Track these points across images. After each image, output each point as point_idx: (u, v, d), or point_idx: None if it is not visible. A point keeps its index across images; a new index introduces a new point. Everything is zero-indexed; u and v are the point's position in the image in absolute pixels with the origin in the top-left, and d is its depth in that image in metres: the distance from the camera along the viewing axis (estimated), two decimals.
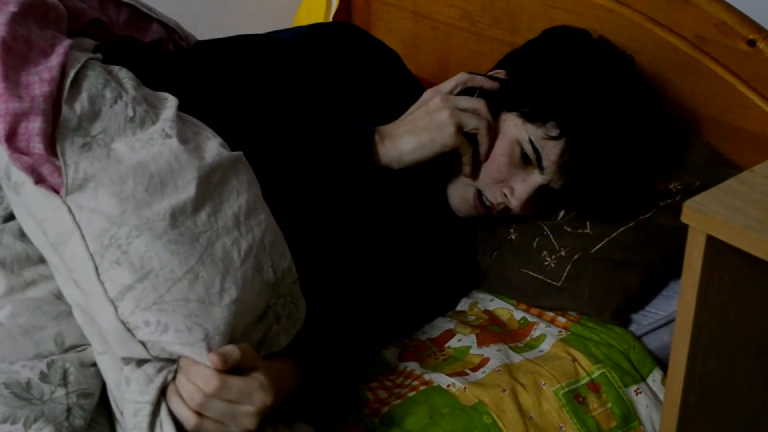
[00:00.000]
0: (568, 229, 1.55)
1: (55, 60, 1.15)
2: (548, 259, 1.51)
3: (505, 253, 1.56)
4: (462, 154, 1.43)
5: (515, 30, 1.85)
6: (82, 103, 1.14)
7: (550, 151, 1.41)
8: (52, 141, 1.12)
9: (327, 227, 1.39)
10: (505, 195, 1.45)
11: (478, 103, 1.44)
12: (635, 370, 1.41)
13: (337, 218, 1.41)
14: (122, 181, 1.11)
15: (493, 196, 1.46)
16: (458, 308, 1.55)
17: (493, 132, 1.44)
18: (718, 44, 1.58)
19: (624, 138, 1.43)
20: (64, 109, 1.13)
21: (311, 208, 1.37)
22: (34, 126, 1.11)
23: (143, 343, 1.07)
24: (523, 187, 1.44)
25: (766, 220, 1.01)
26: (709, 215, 1.03)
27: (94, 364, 1.14)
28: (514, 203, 1.44)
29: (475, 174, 1.46)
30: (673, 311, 1.43)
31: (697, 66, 1.62)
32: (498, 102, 1.47)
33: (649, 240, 1.50)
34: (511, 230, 1.57)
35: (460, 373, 1.37)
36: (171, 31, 1.46)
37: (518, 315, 1.50)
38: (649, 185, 1.55)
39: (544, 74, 1.46)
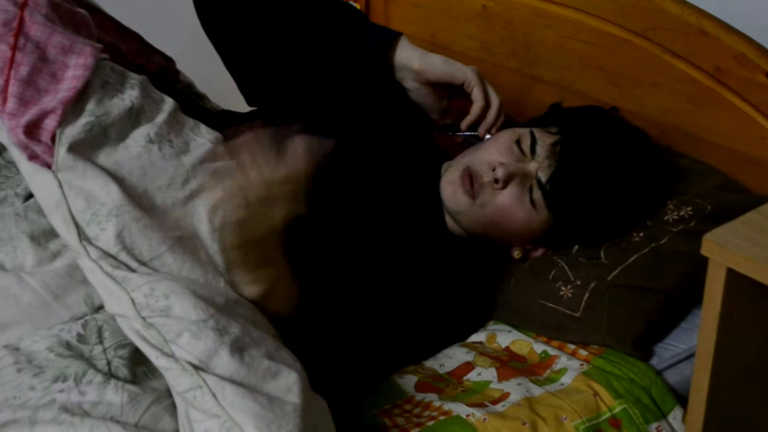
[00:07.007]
0: (583, 260, 1.55)
1: (81, 62, 1.26)
2: (563, 289, 1.51)
3: (521, 281, 1.56)
4: (473, 100, 1.64)
5: (533, 61, 1.86)
6: (91, 104, 1.26)
7: (545, 140, 1.55)
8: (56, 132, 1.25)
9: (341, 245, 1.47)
10: (494, 169, 1.53)
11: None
12: (656, 406, 1.39)
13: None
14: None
15: (482, 168, 1.55)
16: (476, 339, 1.55)
17: (500, 117, 1.65)
18: (737, 76, 1.59)
19: (614, 149, 1.55)
20: (74, 106, 1.24)
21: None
22: (50, 123, 1.23)
23: (131, 298, 1.15)
24: (513, 165, 1.54)
25: None
26: (730, 249, 1.03)
27: None
28: (501, 172, 1.52)
29: (471, 126, 1.66)
30: (694, 345, 1.42)
31: (716, 98, 1.62)
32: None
33: (665, 265, 1.50)
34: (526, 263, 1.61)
35: (480, 404, 1.37)
36: (170, 60, 1.58)
37: (539, 348, 1.50)
38: (638, 216, 1.59)
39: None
